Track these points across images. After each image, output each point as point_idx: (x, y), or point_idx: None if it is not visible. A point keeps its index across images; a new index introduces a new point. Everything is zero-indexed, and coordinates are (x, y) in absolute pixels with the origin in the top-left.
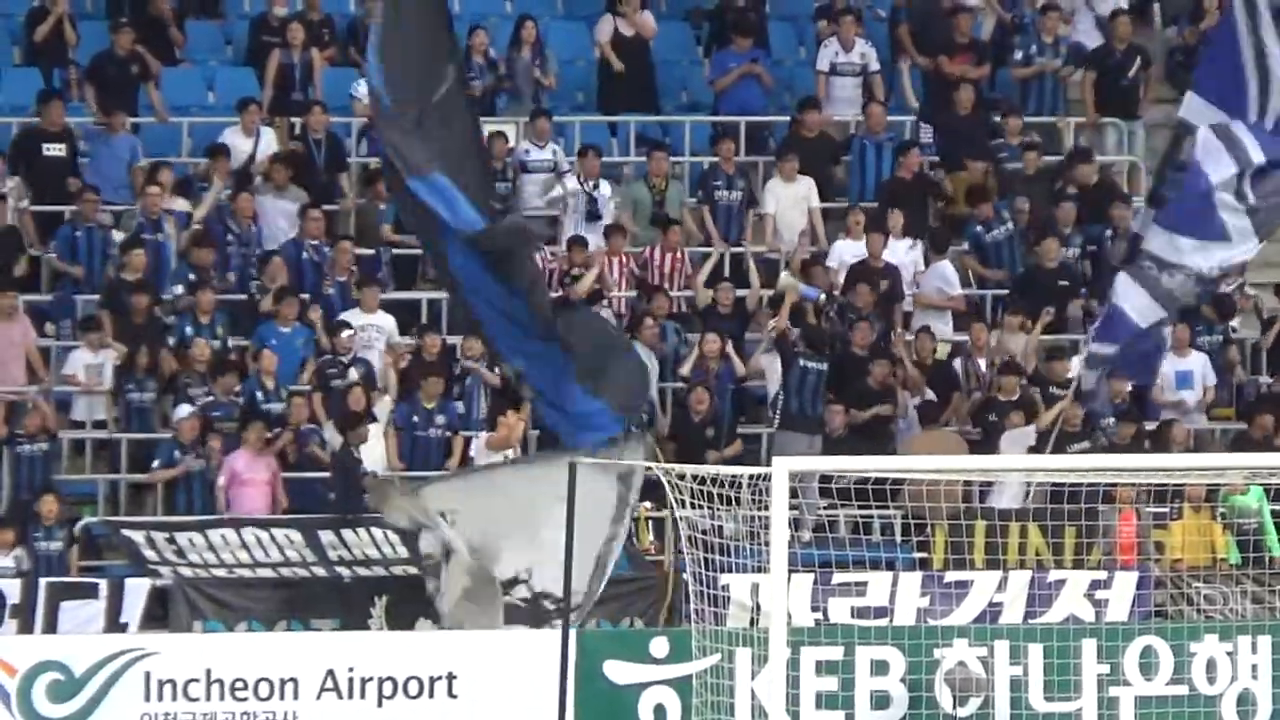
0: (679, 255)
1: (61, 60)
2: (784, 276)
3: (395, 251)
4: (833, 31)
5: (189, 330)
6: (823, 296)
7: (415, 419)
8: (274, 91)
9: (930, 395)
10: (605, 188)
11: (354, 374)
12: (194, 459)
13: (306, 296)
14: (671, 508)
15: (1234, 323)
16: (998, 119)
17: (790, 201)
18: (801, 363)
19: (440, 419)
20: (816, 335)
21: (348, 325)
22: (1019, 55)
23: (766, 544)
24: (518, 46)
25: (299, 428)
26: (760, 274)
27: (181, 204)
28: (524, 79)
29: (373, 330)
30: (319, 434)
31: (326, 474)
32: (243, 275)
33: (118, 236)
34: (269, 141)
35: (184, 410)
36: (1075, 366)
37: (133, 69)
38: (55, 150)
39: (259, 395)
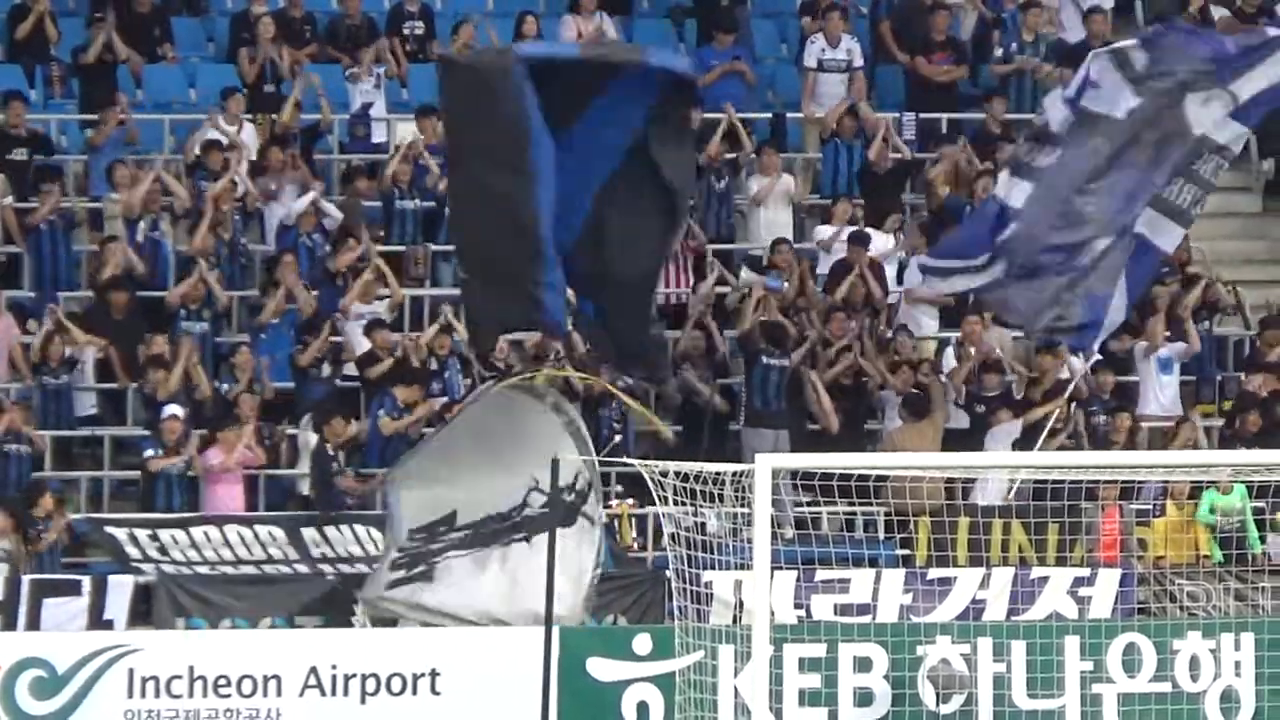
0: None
1: (43, 57)
2: (745, 273)
3: (378, 249)
4: (818, 28)
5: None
6: (786, 286)
7: (394, 413)
8: (250, 88)
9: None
10: None
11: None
12: (181, 458)
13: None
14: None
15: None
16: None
17: (773, 196)
18: (764, 360)
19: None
20: (777, 331)
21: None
22: (999, 52)
23: (749, 541)
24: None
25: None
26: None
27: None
28: None
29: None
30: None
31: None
32: (230, 266)
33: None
34: (250, 136)
35: (167, 411)
36: (1075, 364)
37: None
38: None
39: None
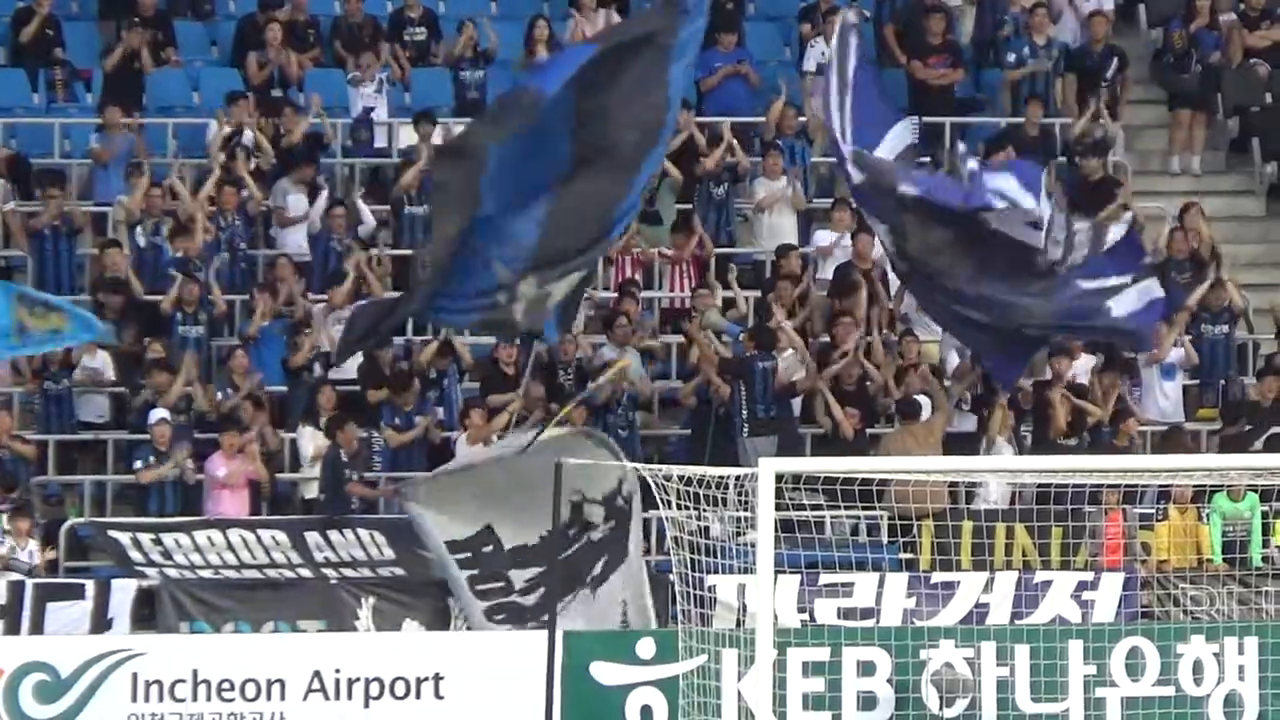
0: (693, 255)
1: (47, 61)
2: (710, 315)
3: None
4: (816, 34)
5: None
6: (743, 335)
7: (397, 421)
8: (256, 92)
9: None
10: None
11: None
12: (170, 467)
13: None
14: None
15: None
16: None
17: (776, 202)
18: (759, 364)
19: (419, 420)
20: (765, 334)
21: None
22: (1011, 57)
23: (752, 545)
24: (531, 46)
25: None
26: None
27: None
28: None
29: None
30: None
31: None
32: (232, 270)
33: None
34: (249, 140)
35: (155, 415)
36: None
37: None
38: None
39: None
